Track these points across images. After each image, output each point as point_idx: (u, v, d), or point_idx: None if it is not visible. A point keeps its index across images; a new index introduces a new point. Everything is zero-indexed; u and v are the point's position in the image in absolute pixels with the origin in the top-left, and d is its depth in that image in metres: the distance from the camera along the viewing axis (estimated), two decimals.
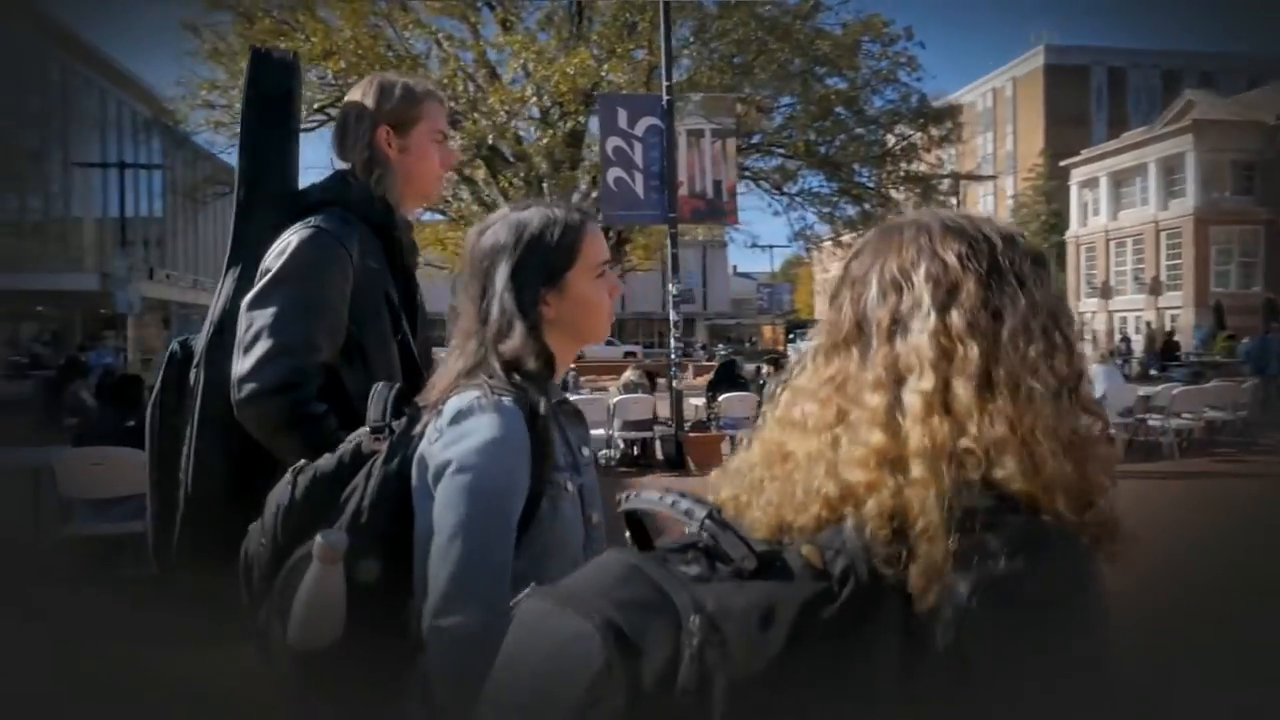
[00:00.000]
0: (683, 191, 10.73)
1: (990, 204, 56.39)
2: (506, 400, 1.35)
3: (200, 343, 1.85)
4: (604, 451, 10.50)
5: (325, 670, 1.34)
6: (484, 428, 1.33)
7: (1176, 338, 29.61)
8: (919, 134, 20.21)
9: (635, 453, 10.73)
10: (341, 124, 1.95)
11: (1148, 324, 37.34)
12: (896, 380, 0.87)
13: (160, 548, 1.85)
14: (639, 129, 10.54)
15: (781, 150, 19.74)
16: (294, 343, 1.72)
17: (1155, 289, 40.51)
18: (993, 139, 57.05)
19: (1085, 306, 43.96)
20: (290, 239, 1.78)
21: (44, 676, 4.11)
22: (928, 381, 0.85)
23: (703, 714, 0.74)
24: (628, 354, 33.55)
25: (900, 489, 0.82)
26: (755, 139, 19.43)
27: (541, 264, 1.44)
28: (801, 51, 17.82)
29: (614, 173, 10.57)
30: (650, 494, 0.89)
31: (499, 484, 1.32)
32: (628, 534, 0.94)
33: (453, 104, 16.90)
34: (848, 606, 0.79)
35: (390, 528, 1.35)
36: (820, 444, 0.89)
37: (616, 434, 10.44)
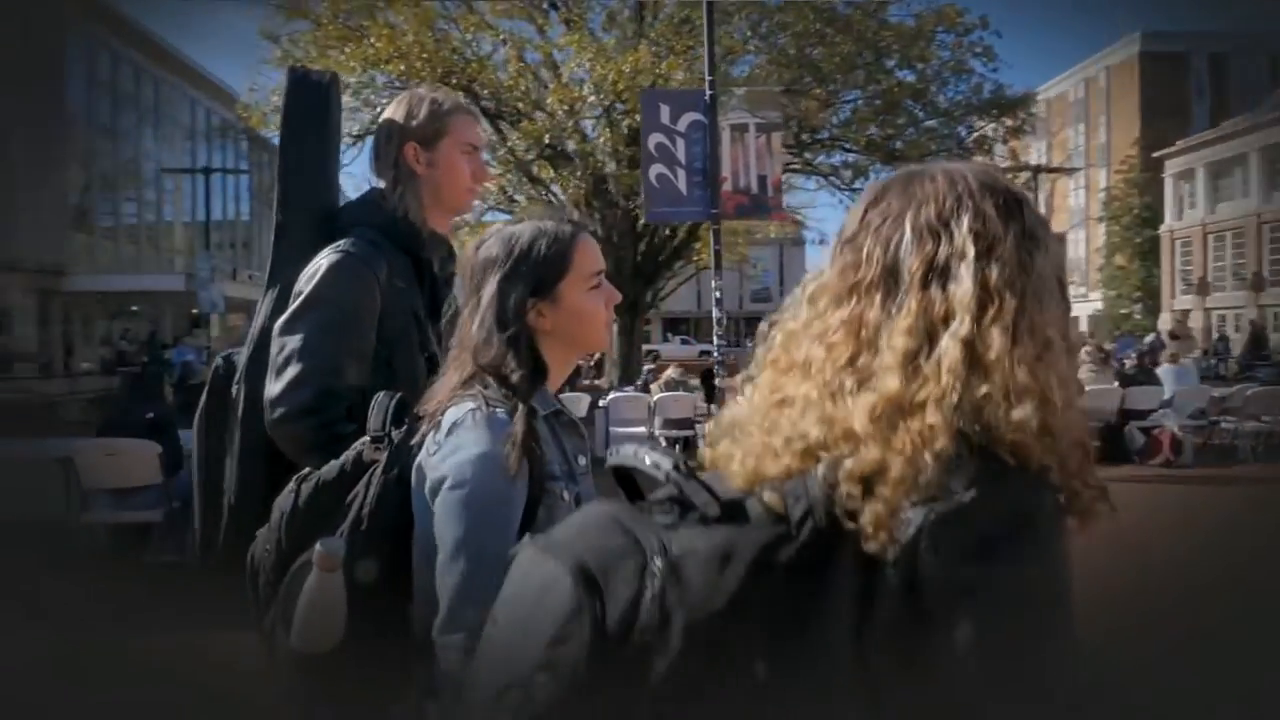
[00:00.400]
0: (726, 187, 10.59)
1: (1081, 197, 54.38)
2: (500, 412, 1.37)
3: (241, 359, 1.92)
4: None
5: (326, 673, 1.38)
6: (477, 441, 1.35)
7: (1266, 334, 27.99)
8: (992, 126, 19.63)
9: (678, 451, 10.66)
10: (375, 143, 2.01)
11: (1251, 322, 35.44)
12: (928, 328, 0.87)
13: (206, 550, 1.94)
14: (681, 124, 10.44)
15: (850, 145, 19.40)
16: (323, 366, 1.78)
17: (1257, 285, 38.44)
18: (1085, 130, 54.99)
19: (1180, 303, 42.04)
20: (320, 263, 1.83)
21: (45, 668, 4.27)
22: (966, 329, 0.85)
23: (662, 650, 0.79)
24: (703, 353, 33.42)
25: (889, 443, 0.82)
26: (824, 134, 19.14)
27: (530, 276, 1.46)
28: (867, 44, 17.46)
29: (656, 169, 10.50)
30: (627, 449, 0.94)
31: (493, 496, 1.34)
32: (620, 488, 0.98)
33: (519, 104, 17.09)
34: (805, 548, 0.82)
35: (390, 534, 1.39)
36: (820, 386, 0.89)
37: (658, 432, 10.41)
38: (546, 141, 16.45)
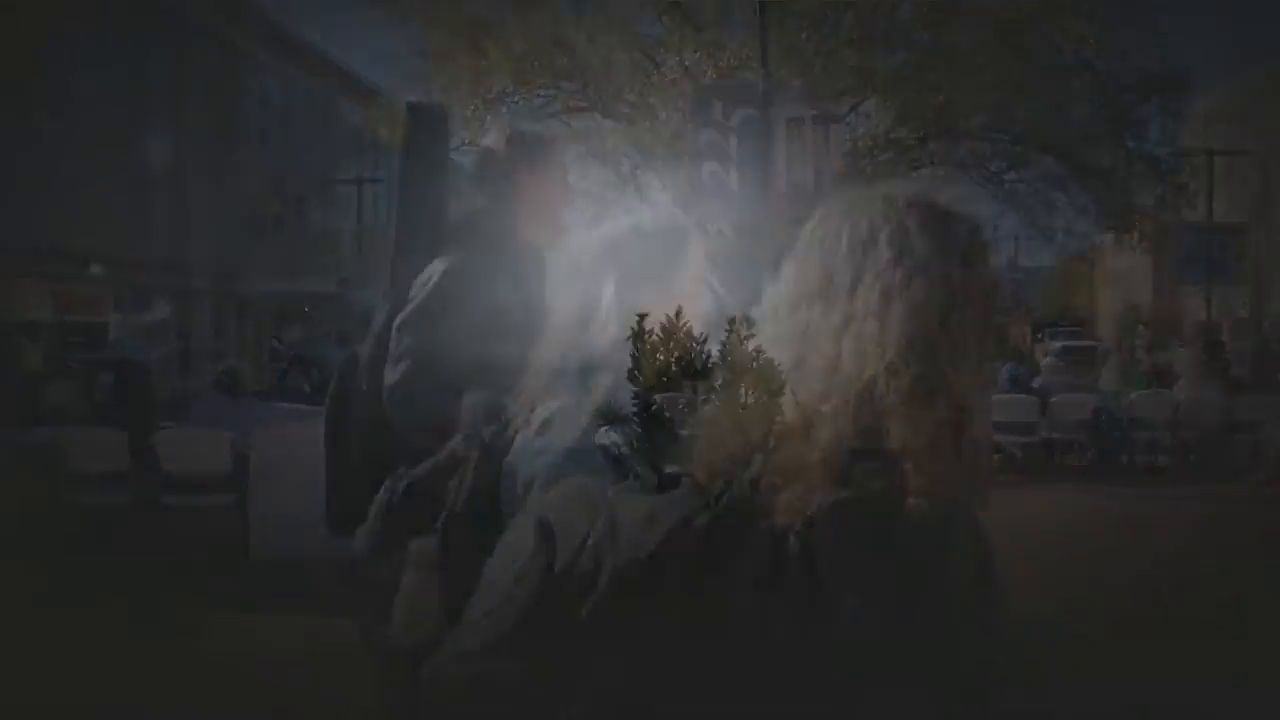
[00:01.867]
0: (780, 183, 10.25)
1: None
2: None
3: (364, 355, 2.25)
4: None
5: (420, 664, 1.47)
6: (567, 439, 1.37)
7: None
8: (1147, 107, 18.10)
9: None
10: (481, 165, 2.25)
11: None
12: (849, 329, 1.00)
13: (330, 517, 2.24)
14: (734, 120, 10.20)
15: (986, 135, 18.34)
16: (435, 360, 2.04)
17: None
18: None
19: None
20: (435, 270, 2.12)
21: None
22: (871, 329, 0.99)
23: (593, 590, 0.94)
24: None
25: (811, 437, 0.96)
26: (977, 121, 18.16)
27: (651, 267, 1.47)
28: (992, 27, 16.39)
29: (707, 167, 10.30)
30: (600, 430, 1.10)
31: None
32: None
33: (632, 103, 17.18)
34: (719, 517, 0.95)
35: (481, 532, 1.40)
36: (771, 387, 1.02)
37: None
38: (646, 141, 16.43)
